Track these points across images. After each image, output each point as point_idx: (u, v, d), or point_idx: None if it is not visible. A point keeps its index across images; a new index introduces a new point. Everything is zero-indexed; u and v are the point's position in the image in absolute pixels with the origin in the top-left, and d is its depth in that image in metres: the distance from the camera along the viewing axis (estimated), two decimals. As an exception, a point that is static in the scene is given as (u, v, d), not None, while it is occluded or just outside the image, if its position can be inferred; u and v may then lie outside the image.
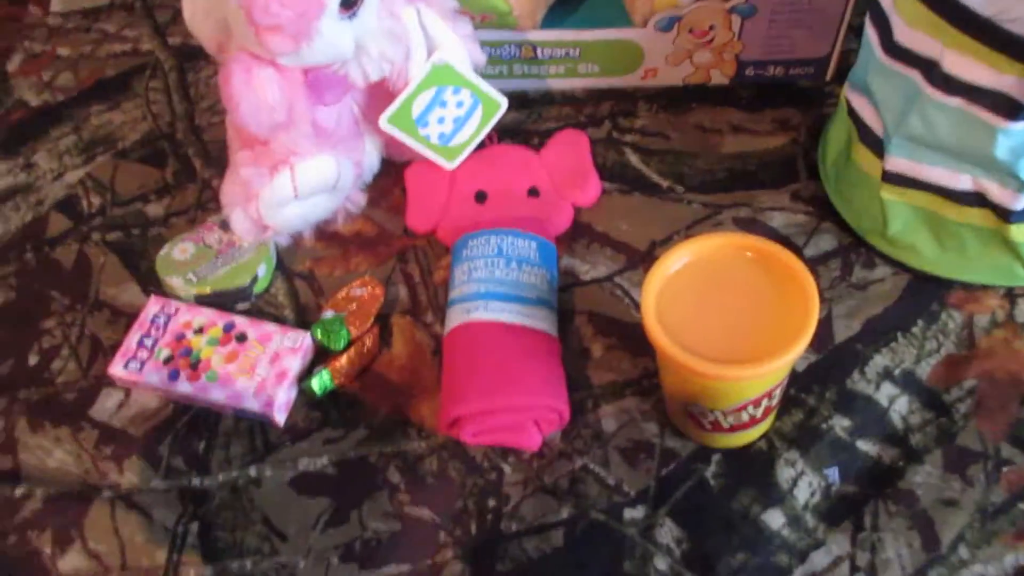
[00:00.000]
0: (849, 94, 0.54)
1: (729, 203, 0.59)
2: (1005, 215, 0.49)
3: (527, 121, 0.64)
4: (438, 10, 0.53)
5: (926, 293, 0.54)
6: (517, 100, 0.65)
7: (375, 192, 0.60)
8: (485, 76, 0.64)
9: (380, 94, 0.55)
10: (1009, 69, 0.43)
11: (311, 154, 0.52)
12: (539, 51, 0.62)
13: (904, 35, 0.47)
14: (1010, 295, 0.53)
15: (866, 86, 0.52)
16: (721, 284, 0.44)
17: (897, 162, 0.51)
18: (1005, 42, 0.42)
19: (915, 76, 0.47)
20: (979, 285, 0.54)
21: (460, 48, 0.55)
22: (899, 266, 0.55)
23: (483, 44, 0.61)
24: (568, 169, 0.60)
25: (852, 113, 0.54)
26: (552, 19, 0.63)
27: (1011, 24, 0.42)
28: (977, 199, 0.50)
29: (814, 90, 0.64)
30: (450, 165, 0.59)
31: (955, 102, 0.46)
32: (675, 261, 0.44)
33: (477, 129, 0.58)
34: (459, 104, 0.56)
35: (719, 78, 0.65)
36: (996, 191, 0.49)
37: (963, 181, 0.50)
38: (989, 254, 0.52)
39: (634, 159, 0.62)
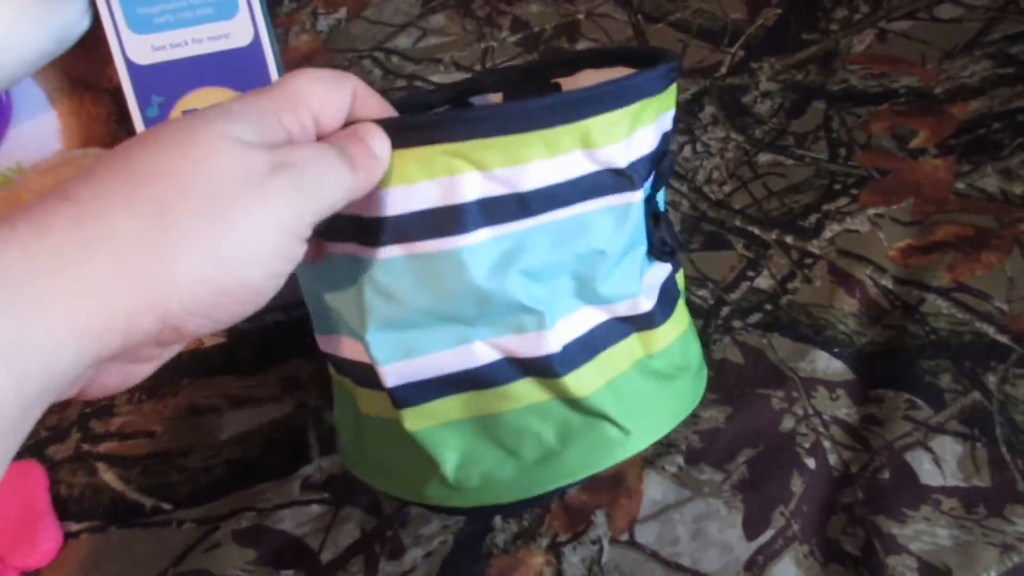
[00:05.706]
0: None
1: (228, 512, 0.48)
2: None
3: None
4: None
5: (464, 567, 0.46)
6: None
7: None
8: None
9: None
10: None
11: None
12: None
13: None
14: (554, 546, 0.47)
15: None
16: None
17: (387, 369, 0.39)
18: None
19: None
20: (521, 544, 0.46)
21: None
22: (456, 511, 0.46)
23: None
24: (14, 521, 0.46)
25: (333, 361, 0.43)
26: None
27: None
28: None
29: (324, 330, 0.56)
30: None
31: None
32: None
33: None
34: None
35: (212, 339, 0.54)
36: None
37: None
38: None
39: (109, 477, 0.49)
